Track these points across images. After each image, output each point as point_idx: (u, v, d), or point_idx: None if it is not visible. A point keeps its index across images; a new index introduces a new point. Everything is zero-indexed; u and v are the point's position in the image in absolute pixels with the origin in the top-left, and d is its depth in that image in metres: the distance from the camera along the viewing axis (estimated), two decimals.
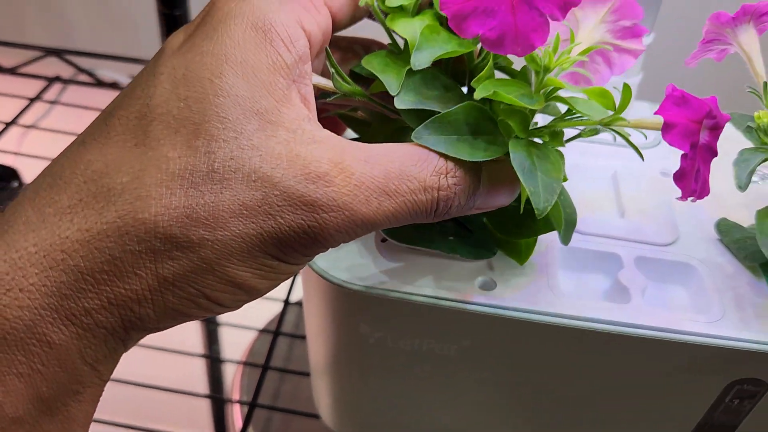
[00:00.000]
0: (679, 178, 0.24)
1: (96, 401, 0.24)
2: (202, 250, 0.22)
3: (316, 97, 0.27)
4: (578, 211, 0.36)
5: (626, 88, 0.25)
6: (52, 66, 0.64)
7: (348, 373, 0.37)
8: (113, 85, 0.69)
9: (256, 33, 0.24)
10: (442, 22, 0.28)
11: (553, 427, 0.38)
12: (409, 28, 0.27)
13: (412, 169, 0.24)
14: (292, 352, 0.51)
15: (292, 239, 0.23)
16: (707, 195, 0.25)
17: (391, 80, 0.27)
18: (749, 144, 0.32)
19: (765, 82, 0.31)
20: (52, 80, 0.63)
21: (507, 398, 0.36)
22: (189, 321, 0.24)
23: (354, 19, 0.29)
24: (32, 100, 0.61)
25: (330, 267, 0.32)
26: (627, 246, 0.35)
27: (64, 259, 0.21)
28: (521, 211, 0.28)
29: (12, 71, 0.63)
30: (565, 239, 0.31)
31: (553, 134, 0.27)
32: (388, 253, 0.33)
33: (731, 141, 0.33)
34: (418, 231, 0.32)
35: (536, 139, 0.27)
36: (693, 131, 0.24)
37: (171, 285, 0.22)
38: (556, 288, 0.32)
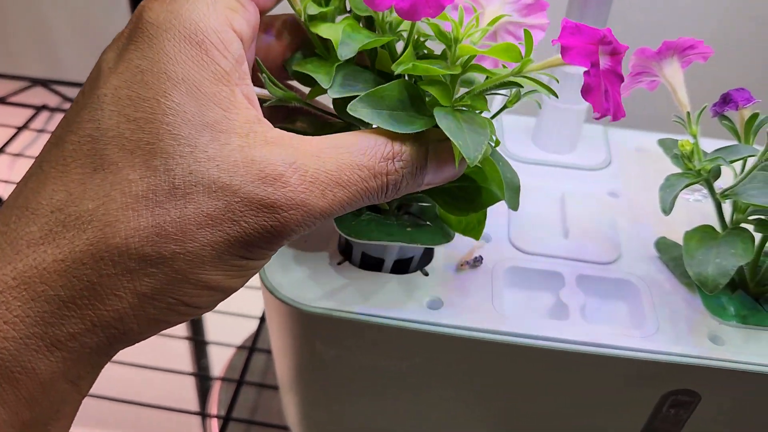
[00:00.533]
0: (586, 92, 0.26)
1: (73, 416, 0.25)
2: (176, 263, 0.23)
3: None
4: (525, 232, 0.38)
5: (527, 34, 0.27)
6: (39, 95, 0.66)
7: (309, 388, 0.39)
8: None
9: (191, 46, 0.24)
10: (361, 24, 0.30)
11: None
12: (332, 31, 0.29)
13: (362, 158, 0.26)
14: (268, 368, 0.53)
15: (256, 239, 0.24)
16: (623, 116, 0.27)
17: (322, 76, 0.29)
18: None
19: (688, 112, 0.33)
20: (39, 109, 0.65)
21: (461, 410, 0.38)
22: (173, 324, 0.25)
23: (276, 1, 0.30)
24: (20, 129, 0.63)
25: (286, 288, 0.34)
26: (569, 265, 0.37)
27: (44, 290, 0.22)
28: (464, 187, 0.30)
29: (0, 100, 0.66)
30: (512, 204, 0.32)
31: (475, 98, 0.29)
32: (342, 274, 0.35)
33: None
34: (378, 227, 0.33)
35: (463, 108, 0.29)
36: (591, 51, 0.25)
37: (150, 299, 0.23)
38: (501, 306, 0.34)
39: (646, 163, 0.45)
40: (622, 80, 0.27)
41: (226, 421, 0.46)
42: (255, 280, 0.53)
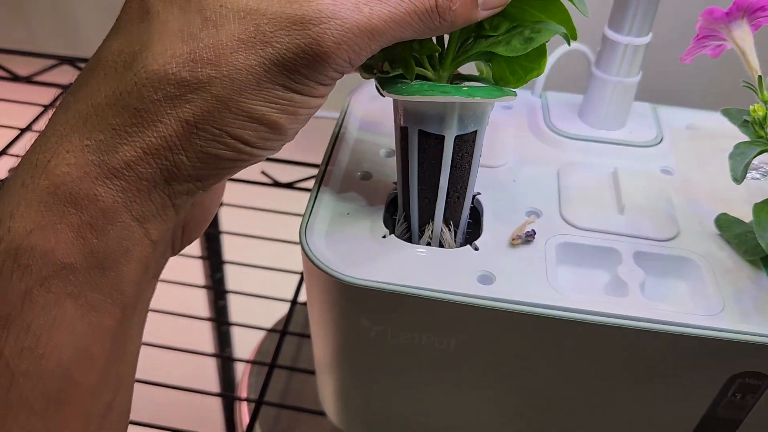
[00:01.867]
0: None
1: (144, 265, 0.26)
2: (213, 88, 0.24)
3: None
4: (577, 207, 0.37)
5: None
6: (65, 74, 0.65)
7: (350, 368, 0.37)
8: None
9: None
10: None
11: (555, 424, 0.38)
12: None
13: None
14: (300, 351, 0.52)
15: (293, 62, 0.24)
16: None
17: None
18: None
19: (760, 76, 0.31)
20: (65, 87, 0.64)
21: (507, 394, 0.36)
22: (228, 166, 0.26)
23: None
24: (46, 107, 0.62)
25: (330, 260, 0.32)
26: (626, 241, 0.35)
27: (99, 121, 0.24)
28: None
29: (27, 80, 0.65)
30: (583, 8, 0.29)
31: None
32: (387, 247, 0.34)
33: (730, 137, 0.34)
34: (432, 87, 0.30)
35: None
36: None
37: (194, 128, 0.24)
38: (555, 282, 0.33)
39: (698, 140, 0.43)
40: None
41: (258, 404, 0.44)
42: (292, 262, 0.52)
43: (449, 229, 0.35)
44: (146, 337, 0.49)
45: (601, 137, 0.42)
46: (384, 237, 0.34)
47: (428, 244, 0.35)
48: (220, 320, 0.60)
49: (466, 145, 0.33)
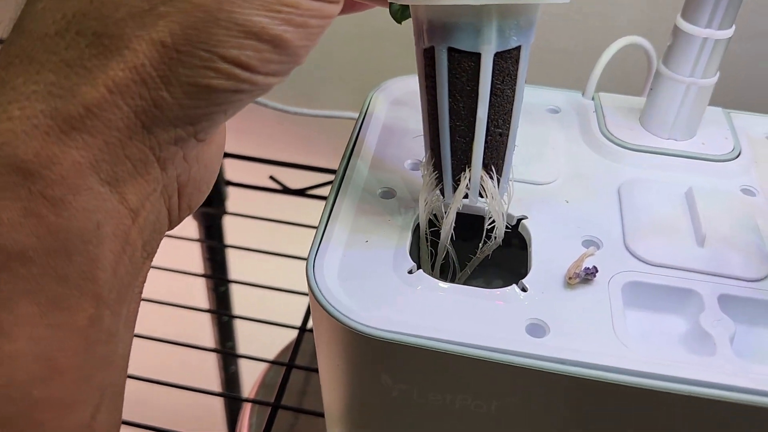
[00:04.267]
0: None
1: (123, 241, 0.20)
2: None
3: None
4: (645, 237, 0.30)
5: None
6: None
7: (365, 425, 0.31)
8: None
9: None
10: None
11: None
12: None
13: None
14: (308, 386, 0.46)
15: None
16: None
17: None
18: None
19: None
20: None
21: None
22: (224, 101, 0.20)
23: None
24: None
25: (344, 304, 0.26)
26: (708, 281, 0.28)
27: (48, 57, 0.18)
28: None
29: None
30: None
31: None
32: (415, 286, 0.27)
33: None
34: None
35: None
36: None
37: (175, 51, 0.18)
38: (624, 334, 0.26)
39: None
40: None
41: None
42: (297, 283, 0.46)
43: (491, 177, 0.28)
44: (142, 367, 0.43)
45: (669, 149, 0.35)
46: (410, 272, 0.28)
47: (465, 196, 0.28)
48: (222, 351, 0.54)
49: (509, 64, 0.26)
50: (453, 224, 0.29)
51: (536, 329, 0.26)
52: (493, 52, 0.25)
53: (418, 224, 0.31)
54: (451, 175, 0.28)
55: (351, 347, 0.27)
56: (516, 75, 0.27)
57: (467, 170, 0.28)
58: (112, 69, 0.18)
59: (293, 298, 0.49)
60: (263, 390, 0.47)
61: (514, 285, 0.28)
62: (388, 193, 0.32)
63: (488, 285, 0.34)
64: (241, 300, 0.61)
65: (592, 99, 0.39)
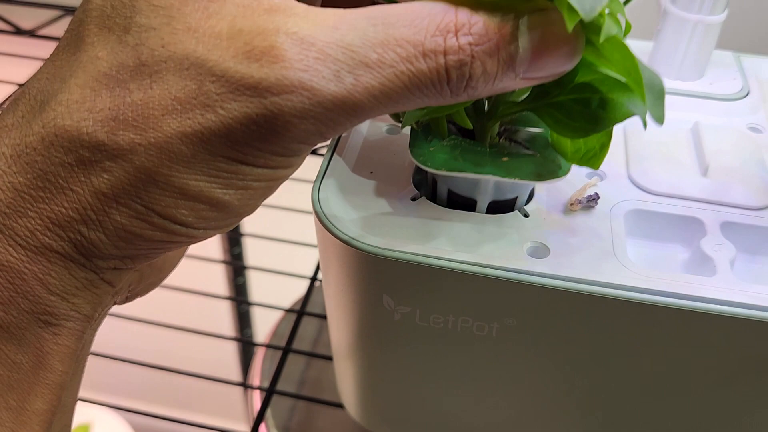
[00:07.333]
0: None
1: (80, 337, 0.21)
2: (136, 158, 0.19)
3: None
4: (649, 168, 0.30)
5: None
6: None
7: (370, 357, 0.31)
8: None
9: None
10: None
11: (613, 430, 0.32)
12: None
13: (404, 30, 0.18)
14: (320, 335, 0.47)
15: (241, 133, 0.19)
16: None
17: None
18: None
19: None
20: None
21: (558, 392, 0.30)
22: (159, 247, 0.21)
23: None
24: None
25: (347, 226, 0.27)
26: (711, 209, 0.29)
27: (1, 174, 0.19)
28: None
29: (31, 33, 0.60)
30: (657, 113, 0.21)
31: None
32: (418, 212, 0.28)
33: None
34: (464, 154, 0.26)
35: None
36: None
37: (113, 201, 0.19)
38: (624, 257, 0.26)
39: None
40: None
41: (269, 394, 0.39)
42: (306, 236, 0.47)
43: None
44: (152, 315, 0.44)
45: (677, 89, 0.35)
46: (414, 199, 0.28)
47: None
48: (237, 299, 0.55)
49: (503, 210, 0.28)
50: None
51: (538, 251, 0.27)
52: (488, 201, 0.28)
53: None
54: None
55: (353, 268, 0.27)
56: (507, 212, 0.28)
57: None
58: (56, 205, 0.19)
59: (304, 249, 0.50)
60: (276, 338, 0.47)
61: (516, 211, 0.28)
62: (394, 129, 0.32)
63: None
64: (254, 254, 0.62)
65: None
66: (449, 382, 0.31)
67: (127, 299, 0.25)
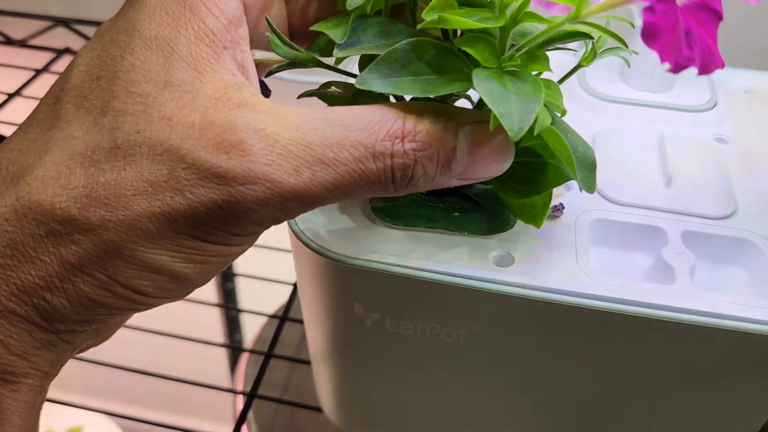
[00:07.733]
0: (648, 36, 0.19)
1: (40, 393, 0.22)
2: (105, 233, 0.20)
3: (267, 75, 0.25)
4: (617, 179, 0.31)
5: None
6: (61, 37, 0.61)
7: (344, 362, 0.32)
8: None
9: (175, 2, 0.22)
10: None
11: (577, 430, 0.33)
12: None
13: (358, 133, 0.21)
14: (304, 340, 0.47)
15: (205, 216, 0.21)
16: (719, 67, 0.20)
17: (336, 32, 0.24)
18: None
19: None
20: (61, 52, 0.60)
21: (524, 395, 0.31)
22: (119, 314, 0.22)
23: None
24: (38, 72, 0.58)
25: (320, 236, 0.27)
26: (673, 219, 0.29)
27: None
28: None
29: (21, 43, 0.61)
30: (587, 184, 0.25)
31: (530, 57, 0.22)
32: (385, 225, 0.29)
33: None
34: (419, 209, 0.28)
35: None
36: None
37: (78, 271, 0.21)
38: (586, 266, 0.27)
39: (758, 106, 0.37)
40: (720, 18, 0.20)
41: (250, 398, 0.40)
42: (284, 242, 0.48)
43: None
44: (142, 321, 0.45)
45: (645, 100, 0.36)
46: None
47: None
48: (225, 305, 0.56)
49: None
50: None
51: (503, 260, 0.27)
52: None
53: None
54: None
55: (326, 277, 0.28)
56: None
57: None
58: (23, 272, 0.20)
59: (288, 256, 0.51)
60: (259, 344, 0.48)
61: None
62: None
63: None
64: (244, 259, 0.63)
65: (573, 55, 0.40)
66: (422, 387, 0.32)
67: (82, 351, 0.26)
